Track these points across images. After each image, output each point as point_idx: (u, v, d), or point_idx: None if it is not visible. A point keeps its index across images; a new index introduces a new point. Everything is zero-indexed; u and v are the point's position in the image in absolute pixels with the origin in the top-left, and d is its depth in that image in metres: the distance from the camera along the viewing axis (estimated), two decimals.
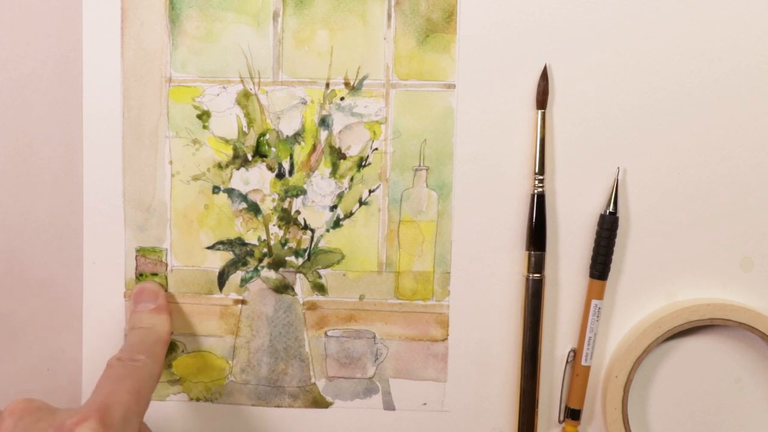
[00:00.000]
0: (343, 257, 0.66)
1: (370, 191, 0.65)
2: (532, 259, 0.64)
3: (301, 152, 0.65)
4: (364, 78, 0.64)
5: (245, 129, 0.65)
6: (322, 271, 0.66)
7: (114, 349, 0.66)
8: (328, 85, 0.65)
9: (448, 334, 0.66)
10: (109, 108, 0.66)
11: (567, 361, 0.66)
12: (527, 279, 0.64)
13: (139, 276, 0.67)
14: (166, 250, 0.67)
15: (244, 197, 0.66)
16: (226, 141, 0.65)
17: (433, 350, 0.66)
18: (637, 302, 0.65)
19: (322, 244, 0.66)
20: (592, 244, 0.64)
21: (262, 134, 0.65)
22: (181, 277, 0.67)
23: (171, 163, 0.66)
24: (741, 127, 0.63)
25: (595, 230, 0.64)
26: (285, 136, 0.65)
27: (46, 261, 0.68)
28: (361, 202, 0.65)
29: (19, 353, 0.69)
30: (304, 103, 0.65)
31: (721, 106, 0.63)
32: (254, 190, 0.66)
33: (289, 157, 0.65)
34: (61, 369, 0.69)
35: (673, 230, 0.64)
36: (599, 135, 0.64)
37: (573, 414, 0.65)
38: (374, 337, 0.66)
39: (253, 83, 0.65)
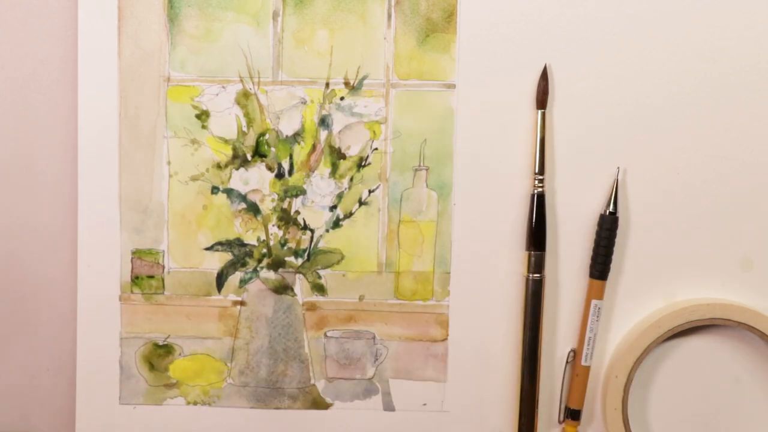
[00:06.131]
0: (342, 257, 0.66)
1: (370, 191, 0.65)
2: (532, 259, 0.64)
3: (300, 152, 0.65)
4: (364, 78, 0.64)
5: (245, 129, 0.65)
6: (321, 272, 0.66)
7: (108, 352, 0.66)
8: (327, 84, 0.64)
9: (448, 334, 0.66)
10: (105, 108, 0.65)
11: (567, 362, 0.66)
12: (527, 279, 0.64)
13: (135, 278, 0.66)
14: (163, 251, 0.66)
15: (243, 197, 0.65)
16: (226, 141, 0.65)
17: (432, 350, 0.66)
18: (637, 302, 0.65)
19: (321, 245, 0.66)
20: (592, 244, 0.64)
21: (262, 134, 0.65)
22: (179, 278, 0.67)
23: (169, 163, 0.66)
24: (741, 127, 0.63)
25: (595, 230, 0.64)
26: (285, 136, 0.65)
27: (42, 263, 0.68)
28: (361, 202, 0.65)
29: (19, 353, 0.69)
30: (304, 102, 0.65)
31: (721, 106, 0.63)
32: (254, 191, 0.65)
33: (288, 157, 0.65)
34: (60, 370, 0.68)
35: (673, 230, 0.64)
36: (599, 135, 0.64)
37: (573, 414, 0.65)
38: (374, 338, 0.66)
39: (253, 83, 0.64)
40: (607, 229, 0.63)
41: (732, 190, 0.64)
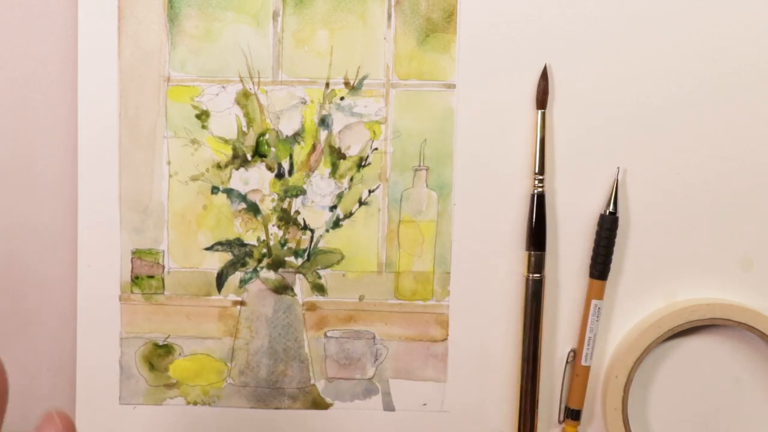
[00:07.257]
0: (342, 257, 0.66)
1: (370, 191, 0.65)
2: (532, 259, 0.64)
3: (300, 152, 0.65)
4: (364, 78, 0.64)
5: (245, 129, 0.65)
6: (321, 272, 0.66)
7: (108, 352, 0.66)
8: (327, 84, 0.64)
9: (447, 335, 0.66)
10: (105, 108, 0.65)
11: (567, 362, 0.66)
12: (527, 279, 0.64)
13: (135, 278, 0.66)
14: (163, 251, 0.66)
15: (243, 197, 0.65)
16: (226, 141, 0.65)
17: (432, 350, 0.66)
18: (637, 302, 0.65)
19: (321, 245, 0.66)
20: (592, 244, 0.64)
21: (262, 134, 0.65)
22: (179, 278, 0.67)
23: (169, 163, 0.65)
24: (741, 127, 0.63)
25: (595, 230, 0.64)
26: (284, 136, 0.65)
27: (42, 263, 0.68)
28: (361, 202, 0.65)
29: (19, 353, 0.69)
30: (304, 102, 0.65)
31: (721, 106, 0.63)
32: (254, 191, 0.65)
33: (288, 157, 0.65)
34: (60, 370, 0.68)
35: (673, 230, 0.64)
36: (599, 135, 0.64)
37: (573, 414, 0.65)
38: (374, 338, 0.66)
39: (253, 83, 0.64)
40: (607, 229, 0.63)
41: (732, 190, 0.64)
